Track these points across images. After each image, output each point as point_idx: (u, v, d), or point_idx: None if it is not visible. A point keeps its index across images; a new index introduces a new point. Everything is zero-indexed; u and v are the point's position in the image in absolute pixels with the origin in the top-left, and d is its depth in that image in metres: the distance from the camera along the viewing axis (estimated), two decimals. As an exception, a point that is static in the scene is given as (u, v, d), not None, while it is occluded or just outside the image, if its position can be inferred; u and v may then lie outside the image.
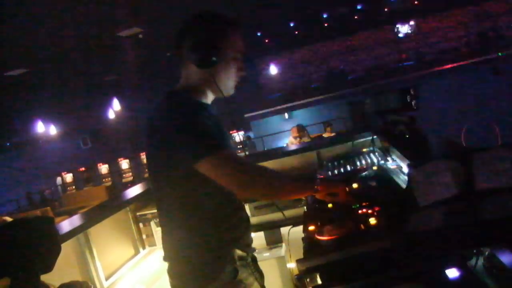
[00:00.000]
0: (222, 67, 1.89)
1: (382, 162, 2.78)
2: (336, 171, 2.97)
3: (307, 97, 18.38)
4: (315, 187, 1.85)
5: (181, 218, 1.91)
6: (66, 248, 2.59)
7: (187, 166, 1.76)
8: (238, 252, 1.94)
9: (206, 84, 1.94)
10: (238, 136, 13.31)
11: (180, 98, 1.91)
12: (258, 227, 3.52)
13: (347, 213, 1.91)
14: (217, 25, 1.90)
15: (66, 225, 2.85)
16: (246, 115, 18.35)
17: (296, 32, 24.75)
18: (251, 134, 17.83)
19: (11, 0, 9.91)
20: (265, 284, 2.11)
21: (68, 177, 16.59)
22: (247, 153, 7.39)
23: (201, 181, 1.77)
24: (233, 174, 1.75)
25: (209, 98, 2.01)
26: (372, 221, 1.74)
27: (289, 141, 11.45)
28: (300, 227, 2.06)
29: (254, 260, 2.09)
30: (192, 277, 1.91)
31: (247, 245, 2.02)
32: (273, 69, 21.11)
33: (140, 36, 14.56)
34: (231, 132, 7.46)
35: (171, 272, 1.99)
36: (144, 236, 3.60)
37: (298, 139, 10.85)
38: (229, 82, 1.95)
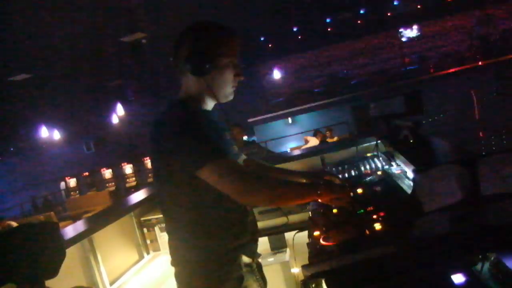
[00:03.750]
0: (217, 74, 1.90)
1: (387, 167, 2.78)
2: (340, 176, 2.96)
3: (311, 102, 18.37)
4: (318, 192, 1.84)
5: (186, 223, 1.91)
6: (71, 253, 2.59)
7: (189, 173, 1.76)
8: (244, 258, 1.95)
9: (204, 91, 1.95)
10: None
11: (180, 107, 1.93)
12: (263, 232, 3.51)
13: (352, 218, 1.91)
14: (210, 33, 1.92)
15: (70, 230, 2.85)
16: (249, 120, 18.34)
17: (300, 37, 24.78)
18: (254, 139, 17.83)
19: (16, 6, 9.95)
20: (270, 289, 2.11)
21: (72, 182, 16.60)
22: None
23: (206, 187, 1.77)
24: (234, 181, 1.74)
25: (209, 105, 2.01)
26: (377, 226, 1.74)
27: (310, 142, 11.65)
28: (304, 233, 2.06)
29: (259, 266, 2.10)
30: (197, 284, 1.91)
31: (253, 252, 2.03)
32: (277, 74, 21.09)
33: (144, 41, 14.59)
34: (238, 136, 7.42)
35: (177, 278, 1.99)
36: (148, 241, 3.59)
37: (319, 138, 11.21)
38: (226, 88, 1.95)
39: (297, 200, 1.94)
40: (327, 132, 12.68)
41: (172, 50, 1.96)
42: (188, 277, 1.94)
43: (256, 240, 2.09)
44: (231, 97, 2.01)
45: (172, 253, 2.01)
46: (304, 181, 2.36)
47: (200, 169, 1.73)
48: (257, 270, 2.06)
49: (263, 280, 2.08)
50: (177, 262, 1.98)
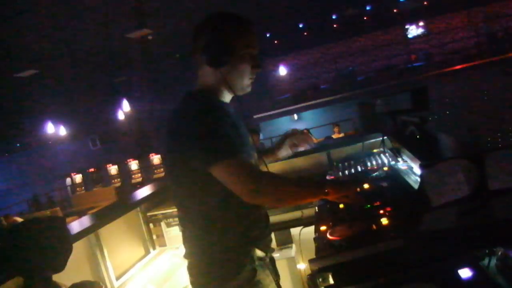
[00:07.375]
0: (235, 66, 1.88)
1: (393, 162, 2.78)
2: (346, 172, 2.96)
3: (316, 98, 18.30)
4: (325, 190, 1.83)
5: (201, 216, 1.90)
6: (77, 248, 2.60)
7: (201, 169, 1.76)
8: (258, 252, 1.94)
9: (220, 84, 1.93)
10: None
11: (197, 99, 1.91)
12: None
13: (359, 213, 1.91)
14: (228, 24, 1.90)
15: (77, 225, 2.86)
16: (255, 116, 18.30)
17: (305, 33, 24.74)
18: (260, 136, 17.80)
19: (22, 2, 9.97)
20: (276, 285, 2.11)
21: (78, 178, 16.59)
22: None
23: (220, 181, 1.77)
24: (242, 182, 1.73)
25: (226, 97, 2.00)
26: (384, 221, 1.74)
27: None
28: (310, 228, 2.06)
29: (272, 260, 2.10)
30: (211, 276, 1.90)
31: (266, 245, 2.02)
32: (282, 70, 21.06)
33: (150, 37, 14.60)
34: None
35: (190, 269, 1.98)
36: (154, 237, 3.60)
37: None
38: (243, 80, 1.93)
39: (304, 200, 1.96)
40: (335, 128, 12.70)
41: (191, 42, 1.94)
42: (201, 269, 1.94)
43: (269, 234, 2.09)
44: (248, 89, 1.99)
45: (186, 245, 2.00)
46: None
47: (211, 167, 1.73)
48: (270, 264, 2.04)
49: (276, 274, 2.07)
50: (190, 254, 1.98)
